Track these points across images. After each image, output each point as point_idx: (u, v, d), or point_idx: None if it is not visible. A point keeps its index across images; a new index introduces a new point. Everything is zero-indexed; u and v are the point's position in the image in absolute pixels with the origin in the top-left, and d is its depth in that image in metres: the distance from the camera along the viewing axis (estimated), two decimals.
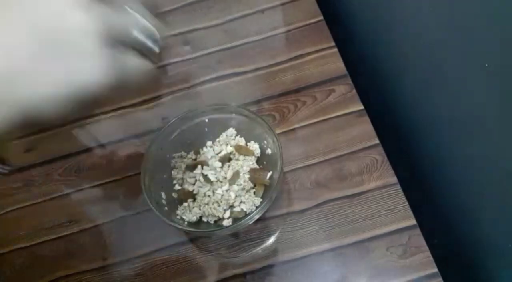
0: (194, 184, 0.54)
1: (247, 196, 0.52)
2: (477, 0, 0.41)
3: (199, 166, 0.54)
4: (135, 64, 0.30)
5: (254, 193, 0.53)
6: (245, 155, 0.54)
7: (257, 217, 0.48)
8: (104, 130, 0.63)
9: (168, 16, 0.73)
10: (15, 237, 0.57)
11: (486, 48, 0.43)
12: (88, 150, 0.62)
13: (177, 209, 0.53)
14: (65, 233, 0.56)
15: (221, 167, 0.54)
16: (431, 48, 0.54)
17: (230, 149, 0.55)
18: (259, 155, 0.55)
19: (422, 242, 0.50)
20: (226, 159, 0.55)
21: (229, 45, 0.68)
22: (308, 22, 0.68)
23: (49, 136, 0.64)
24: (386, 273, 0.49)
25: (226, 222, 0.51)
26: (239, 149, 0.55)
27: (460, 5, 0.44)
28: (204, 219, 0.52)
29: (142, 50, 0.31)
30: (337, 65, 0.63)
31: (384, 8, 0.63)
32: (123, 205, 0.57)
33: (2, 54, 0.25)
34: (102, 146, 0.62)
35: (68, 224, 0.57)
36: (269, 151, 0.54)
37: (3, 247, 0.56)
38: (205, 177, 0.53)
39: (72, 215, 0.57)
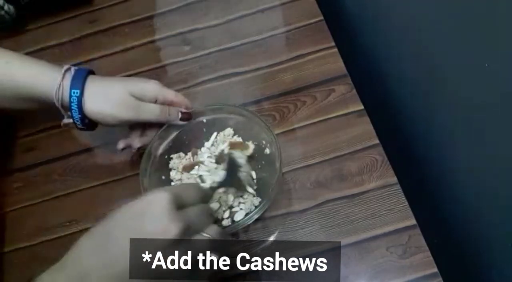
0: None
1: (246, 196, 0.52)
2: (477, 0, 0.41)
3: (196, 167, 0.54)
4: None
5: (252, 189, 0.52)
6: (241, 150, 0.54)
7: (256, 217, 0.48)
8: (104, 131, 0.63)
9: (168, 16, 0.73)
10: (15, 237, 0.57)
11: (486, 48, 0.42)
12: (88, 150, 0.62)
13: None
14: (65, 233, 0.56)
15: (216, 168, 0.54)
16: (431, 48, 0.54)
17: (224, 145, 0.55)
18: (254, 147, 0.54)
19: (422, 242, 0.50)
20: (221, 157, 0.54)
21: (229, 45, 0.68)
22: (308, 22, 0.68)
23: (49, 136, 0.64)
24: (386, 273, 0.49)
25: (226, 222, 0.51)
26: (233, 145, 0.54)
27: (460, 5, 0.44)
28: None
29: None
30: (337, 65, 0.63)
31: (384, 8, 0.63)
32: (123, 205, 0.57)
33: None
34: (101, 146, 0.62)
35: (68, 224, 0.57)
36: (267, 151, 0.54)
37: (3, 247, 0.56)
38: (202, 177, 0.53)
39: (72, 215, 0.57)
